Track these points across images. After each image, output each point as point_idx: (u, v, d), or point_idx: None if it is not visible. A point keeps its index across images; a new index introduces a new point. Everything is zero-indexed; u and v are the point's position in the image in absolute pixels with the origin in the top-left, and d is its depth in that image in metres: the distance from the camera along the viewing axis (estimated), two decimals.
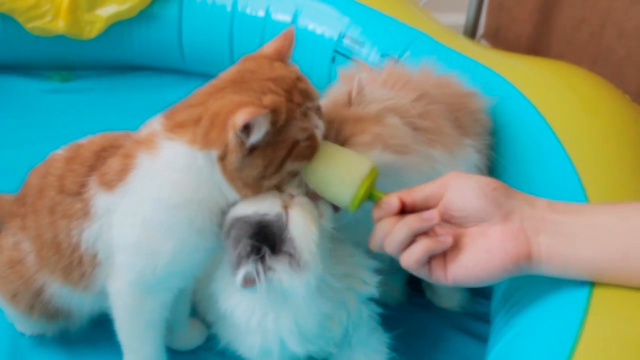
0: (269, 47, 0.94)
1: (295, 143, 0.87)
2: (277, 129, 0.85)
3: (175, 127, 0.89)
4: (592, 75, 1.35)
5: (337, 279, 0.99)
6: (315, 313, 0.97)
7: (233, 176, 0.87)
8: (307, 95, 0.89)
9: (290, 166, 0.89)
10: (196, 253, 0.96)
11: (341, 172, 0.90)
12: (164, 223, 0.92)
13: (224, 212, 0.92)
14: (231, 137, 0.83)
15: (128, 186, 0.93)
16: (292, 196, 0.92)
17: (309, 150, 0.89)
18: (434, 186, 0.87)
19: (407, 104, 1.05)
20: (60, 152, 1.03)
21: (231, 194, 0.90)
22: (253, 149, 0.85)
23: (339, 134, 0.99)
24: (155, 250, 0.93)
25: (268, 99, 0.84)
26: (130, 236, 0.94)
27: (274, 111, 0.84)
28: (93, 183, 0.96)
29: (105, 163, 0.96)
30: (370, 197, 0.91)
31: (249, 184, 0.88)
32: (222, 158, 0.86)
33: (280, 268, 0.89)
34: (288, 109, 0.86)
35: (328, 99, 1.06)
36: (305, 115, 0.88)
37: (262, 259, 0.88)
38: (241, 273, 0.87)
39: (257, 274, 0.87)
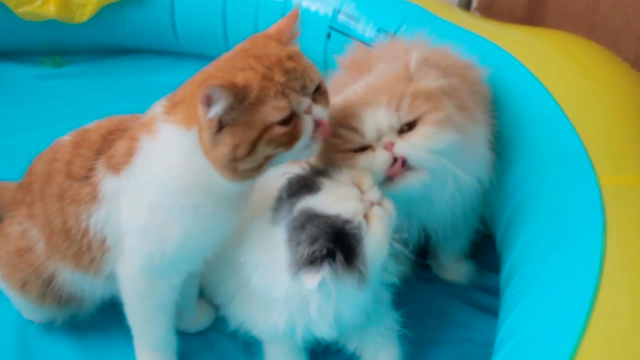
0: (274, 27, 0.92)
1: (269, 126, 0.84)
2: (247, 107, 0.83)
3: (171, 108, 0.89)
4: (590, 42, 1.34)
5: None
6: (356, 307, 0.97)
7: (211, 156, 0.86)
8: (295, 75, 0.86)
9: (264, 150, 0.85)
10: (205, 237, 0.95)
11: None
12: (168, 209, 0.91)
13: (229, 198, 0.92)
14: (200, 111, 0.83)
15: (133, 169, 0.93)
16: (372, 204, 0.91)
17: (286, 137, 0.86)
18: None
19: (452, 83, 1.05)
20: (67, 137, 1.02)
21: (219, 177, 0.88)
22: (222, 127, 0.83)
23: (412, 108, 0.98)
24: (163, 235, 0.93)
25: (242, 75, 0.83)
26: (138, 220, 0.94)
27: (245, 87, 0.82)
28: (100, 166, 0.95)
29: (112, 146, 0.96)
30: None
31: (225, 165, 0.86)
32: (200, 137, 0.85)
33: (349, 281, 0.89)
34: (262, 86, 0.83)
35: (381, 73, 1.04)
36: (284, 94, 0.85)
37: (338, 260, 0.87)
38: (316, 278, 0.86)
39: (333, 275, 0.87)
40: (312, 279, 0.86)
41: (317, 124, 0.89)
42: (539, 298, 0.90)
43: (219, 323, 1.17)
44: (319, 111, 0.89)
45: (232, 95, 0.81)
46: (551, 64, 1.27)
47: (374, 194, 0.92)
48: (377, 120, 0.98)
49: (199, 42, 1.90)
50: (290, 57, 0.87)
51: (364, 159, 0.99)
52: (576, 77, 1.22)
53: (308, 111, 0.88)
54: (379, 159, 0.99)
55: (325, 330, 0.97)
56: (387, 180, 1.00)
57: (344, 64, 1.23)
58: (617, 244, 0.86)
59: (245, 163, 0.86)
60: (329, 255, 0.86)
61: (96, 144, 0.98)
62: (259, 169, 0.87)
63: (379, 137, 0.99)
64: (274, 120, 0.84)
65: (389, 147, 0.99)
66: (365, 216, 0.89)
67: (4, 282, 1.10)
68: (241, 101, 0.82)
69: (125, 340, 1.08)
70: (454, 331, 1.19)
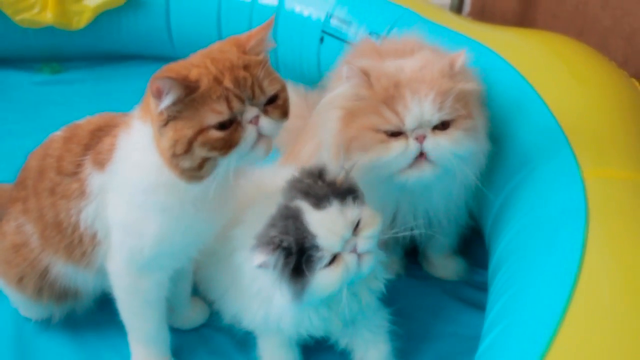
0: (245, 34, 0.93)
1: (205, 128, 0.85)
2: (191, 102, 0.84)
3: (142, 106, 0.91)
4: (577, 42, 1.37)
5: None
6: (333, 307, 1.00)
7: (158, 149, 0.88)
8: (245, 85, 0.87)
9: (199, 151, 0.86)
10: (180, 236, 0.96)
11: None
12: (142, 206, 0.93)
13: (199, 200, 0.92)
14: (151, 103, 0.85)
15: (114, 165, 0.95)
16: (353, 251, 0.93)
17: (221, 142, 0.86)
18: None
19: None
20: (59, 132, 1.04)
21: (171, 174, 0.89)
22: (168, 121, 0.85)
23: (453, 109, 1.01)
24: (140, 231, 0.94)
25: (195, 71, 0.84)
26: (119, 215, 0.96)
27: (195, 82, 0.84)
28: (88, 162, 0.97)
29: (100, 142, 0.98)
30: None
31: (168, 160, 0.87)
32: (154, 131, 0.87)
33: (285, 288, 0.92)
34: (209, 86, 0.84)
35: (426, 63, 1.06)
36: (226, 100, 0.85)
37: (287, 262, 0.90)
38: (262, 258, 0.90)
39: (274, 268, 0.90)
40: (258, 257, 0.90)
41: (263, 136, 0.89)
42: (521, 288, 0.91)
43: (213, 319, 1.18)
44: (266, 123, 0.89)
45: (182, 87, 0.83)
46: (539, 63, 1.29)
47: (362, 244, 0.93)
48: (422, 112, 1.01)
49: (195, 46, 1.88)
50: (245, 67, 0.88)
51: (398, 145, 1.02)
52: (563, 76, 1.25)
53: (254, 122, 0.88)
54: (412, 148, 1.02)
55: (306, 324, 1.01)
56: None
57: (362, 51, 1.23)
58: (599, 234, 0.88)
59: (184, 161, 0.87)
60: (285, 252, 0.90)
61: (85, 139, 1.00)
62: (199, 170, 0.88)
63: (416, 128, 1.02)
64: (210, 122, 0.85)
65: (421, 140, 1.02)
66: (336, 255, 0.92)
67: (1, 280, 1.12)
68: (187, 95, 0.84)
69: (121, 336, 1.10)
70: (443, 326, 1.21)
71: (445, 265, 1.32)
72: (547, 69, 1.27)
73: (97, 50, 1.99)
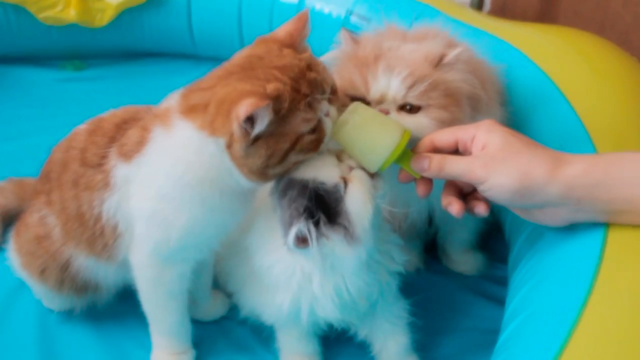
0: (282, 30, 0.92)
1: (300, 136, 0.87)
2: (280, 118, 0.85)
3: (188, 110, 0.90)
4: (600, 39, 1.35)
5: (378, 254, 1.01)
6: (358, 285, 0.98)
7: (239, 163, 0.88)
8: (316, 85, 0.88)
9: (294, 158, 0.89)
10: (209, 228, 0.97)
11: (375, 138, 0.91)
12: (176, 198, 0.93)
13: (237, 193, 0.94)
14: (235, 127, 0.84)
15: (144, 158, 0.95)
16: (351, 168, 0.93)
17: (314, 144, 0.89)
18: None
19: (477, 86, 1.05)
20: (83, 125, 1.06)
21: (242, 178, 0.90)
22: (257, 139, 0.85)
23: (423, 95, 0.98)
24: (168, 222, 0.95)
25: (271, 87, 0.84)
26: (145, 207, 0.96)
27: (277, 99, 0.84)
28: (113, 154, 0.98)
29: (125, 134, 0.98)
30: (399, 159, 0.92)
31: (254, 171, 0.89)
32: (229, 146, 0.87)
33: (335, 237, 0.90)
34: (292, 98, 0.85)
35: (418, 47, 1.03)
36: (310, 106, 0.87)
37: (317, 224, 0.89)
38: (293, 232, 0.88)
39: (310, 234, 0.88)
40: (289, 235, 0.88)
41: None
42: (541, 280, 0.91)
43: (233, 311, 1.19)
44: (334, 112, 0.92)
45: (272, 111, 0.83)
46: (560, 60, 1.28)
47: (352, 161, 0.93)
48: (389, 85, 0.99)
49: (215, 45, 1.94)
50: (309, 67, 0.89)
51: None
52: (585, 72, 1.24)
53: (327, 114, 0.91)
54: None
55: (328, 309, 0.99)
56: None
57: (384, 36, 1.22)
58: (619, 225, 0.87)
59: (276, 169, 0.89)
60: (308, 213, 0.88)
61: (110, 132, 1.00)
62: (288, 170, 0.91)
63: (380, 102, 1.00)
64: (305, 131, 0.87)
65: (383, 113, 0.99)
66: (344, 178, 0.91)
67: (24, 271, 1.13)
68: (276, 113, 0.84)
69: (142, 327, 1.11)
70: (463, 320, 1.21)
71: (464, 260, 1.32)
72: (569, 65, 1.26)
73: (119, 47, 2.01)
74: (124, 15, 1.90)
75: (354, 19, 1.67)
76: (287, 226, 0.89)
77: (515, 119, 1.20)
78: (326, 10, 1.74)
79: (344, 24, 1.68)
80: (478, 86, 1.04)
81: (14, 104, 1.85)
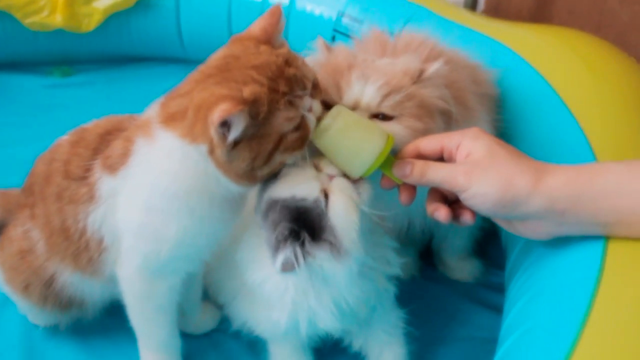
0: (257, 27, 0.89)
1: (283, 135, 0.85)
2: (260, 121, 0.82)
3: (168, 119, 0.88)
4: (597, 39, 1.34)
5: (372, 260, 0.98)
6: (355, 294, 0.96)
7: (225, 168, 0.86)
8: (296, 81, 0.86)
9: (280, 157, 0.87)
10: (200, 238, 0.95)
11: (359, 144, 0.88)
12: (164, 210, 0.91)
13: (227, 200, 0.92)
14: (213, 132, 0.82)
15: (129, 170, 0.93)
16: (331, 177, 0.90)
17: (298, 141, 0.87)
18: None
19: (451, 103, 1.02)
20: (66, 137, 1.03)
21: (230, 184, 0.88)
22: (237, 143, 0.83)
23: (397, 105, 0.96)
24: (158, 234, 0.93)
25: (248, 90, 0.81)
26: (133, 220, 0.94)
27: (254, 103, 0.81)
28: (97, 167, 0.95)
29: (109, 146, 0.96)
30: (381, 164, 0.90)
31: (240, 175, 0.86)
32: (211, 152, 0.85)
33: (320, 255, 0.88)
34: (270, 99, 0.82)
35: (398, 61, 1.01)
36: (291, 104, 0.84)
37: (302, 244, 0.86)
38: (280, 259, 0.85)
39: (296, 258, 0.85)
40: (277, 262, 0.85)
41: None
42: (540, 291, 0.89)
43: (223, 323, 1.17)
44: (317, 107, 0.89)
45: (248, 115, 0.80)
46: (556, 60, 1.26)
47: (331, 169, 0.90)
48: (362, 93, 0.96)
49: (205, 48, 1.88)
50: (287, 63, 0.86)
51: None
52: (581, 73, 1.22)
53: (310, 109, 0.88)
54: None
55: (328, 321, 0.96)
56: None
57: (366, 44, 1.20)
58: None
59: (263, 170, 0.87)
60: (293, 235, 0.86)
61: (93, 143, 0.98)
62: (275, 170, 0.89)
63: (353, 109, 0.96)
64: (288, 129, 0.85)
65: None
66: (325, 190, 0.88)
67: (7, 286, 1.10)
68: (254, 117, 0.82)
69: (130, 342, 1.08)
70: (460, 329, 1.19)
71: (460, 266, 1.30)
72: (564, 66, 1.24)
73: (107, 52, 1.98)
74: (111, 20, 1.87)
75: (345, 21, 1.64)
76: (274, 249, 0.86)
77: (511, 122, 1.18)
78: (317, 12, 1.72)
79: (336, 25, 1.66)
80: (452, 103, 1.01)
81: (0, 111, 1.82)
